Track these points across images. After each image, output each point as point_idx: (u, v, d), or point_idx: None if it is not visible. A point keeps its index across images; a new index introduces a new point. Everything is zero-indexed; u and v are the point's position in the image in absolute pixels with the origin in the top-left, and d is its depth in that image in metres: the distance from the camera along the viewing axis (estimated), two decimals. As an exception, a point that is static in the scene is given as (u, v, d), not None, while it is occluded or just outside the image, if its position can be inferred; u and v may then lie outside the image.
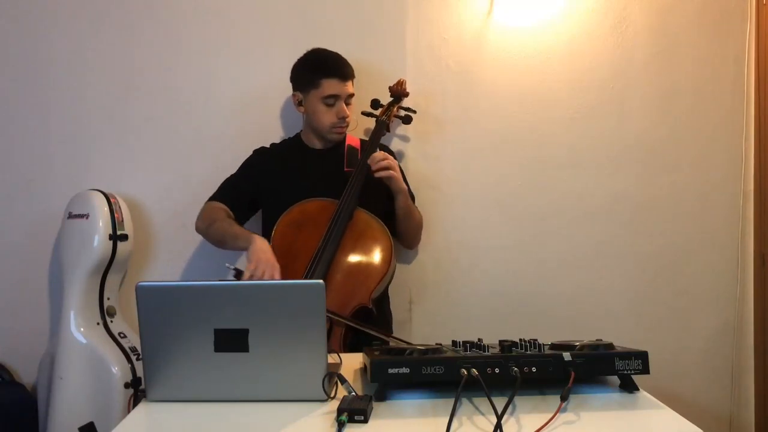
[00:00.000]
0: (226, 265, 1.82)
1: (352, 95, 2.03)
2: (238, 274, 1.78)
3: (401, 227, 2.08)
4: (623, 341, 1.30)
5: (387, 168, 1.94)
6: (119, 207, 2.18)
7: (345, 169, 2.01)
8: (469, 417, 1.08)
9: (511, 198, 2.32)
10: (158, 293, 1.18)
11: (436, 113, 2.26)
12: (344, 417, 1.04)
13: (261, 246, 1.81)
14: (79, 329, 2.08)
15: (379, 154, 1.98)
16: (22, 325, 2.30)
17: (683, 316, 2.34)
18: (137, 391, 2.03)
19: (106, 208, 2.14)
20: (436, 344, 1.36)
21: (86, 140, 2.30)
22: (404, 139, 2.31)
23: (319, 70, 2.00)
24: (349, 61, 2.05)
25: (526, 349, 1.22)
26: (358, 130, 2.22)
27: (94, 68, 2.29)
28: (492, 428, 1.00)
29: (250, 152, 2.16)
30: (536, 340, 1.25)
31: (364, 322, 1.84)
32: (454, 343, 1.34)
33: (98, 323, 2.13)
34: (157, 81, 2.30)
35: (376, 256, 1.92)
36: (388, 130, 2.15)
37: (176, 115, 2.30)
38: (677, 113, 2.32)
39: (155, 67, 2.30)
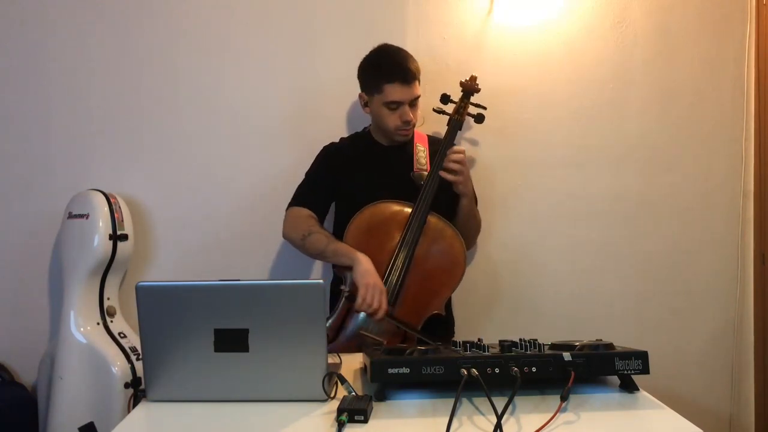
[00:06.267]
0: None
1: (417, 97, 1.95)
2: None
3: (459, 229, 2.00)
4: (623, 341, 1.30)
5: (456, 173, 1.89)
6: (119, 207, 2.18)
7: (413, 171, 1.97)
8: (469, 417, 1.08)
9: (511, 198, 2.32)
10: (158, 293, 1.19)
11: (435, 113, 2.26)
12: (344, 417, 1.04)
13: (367, 268, 1.78)
14: (79, 329, 2.08)
15: (457, 153, 1.91)
16: (22, 325, 2.31)
17: (683, 316, 2.34)
18: (137, 391, 2.02)
19: (106, 208, 2.14)
20: (437, 344, 1.36)
21: (86, 140, 2.30)
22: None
23: (381, 74, 1.92)
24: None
25: (526, 349, 1.22)
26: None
27: (95, 68, 2.29)
28: (492, 428, 1.00)
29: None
30: (536, 340, 1.25)
31: (437, 326, 1.87)
32: (454, 343, 1.34)
33: (98, 323, 2.13)
34: (157, 81, 2.29)
35: (451, 264, 1.90)
36: (460, 129, 2.09)
37: (177, 115, 2.30)
38: (677, 113, 2.32)
39: (155, 67, 2.29)
